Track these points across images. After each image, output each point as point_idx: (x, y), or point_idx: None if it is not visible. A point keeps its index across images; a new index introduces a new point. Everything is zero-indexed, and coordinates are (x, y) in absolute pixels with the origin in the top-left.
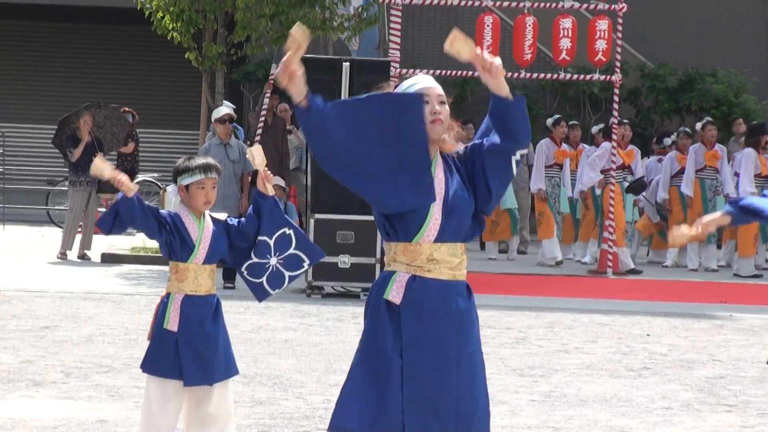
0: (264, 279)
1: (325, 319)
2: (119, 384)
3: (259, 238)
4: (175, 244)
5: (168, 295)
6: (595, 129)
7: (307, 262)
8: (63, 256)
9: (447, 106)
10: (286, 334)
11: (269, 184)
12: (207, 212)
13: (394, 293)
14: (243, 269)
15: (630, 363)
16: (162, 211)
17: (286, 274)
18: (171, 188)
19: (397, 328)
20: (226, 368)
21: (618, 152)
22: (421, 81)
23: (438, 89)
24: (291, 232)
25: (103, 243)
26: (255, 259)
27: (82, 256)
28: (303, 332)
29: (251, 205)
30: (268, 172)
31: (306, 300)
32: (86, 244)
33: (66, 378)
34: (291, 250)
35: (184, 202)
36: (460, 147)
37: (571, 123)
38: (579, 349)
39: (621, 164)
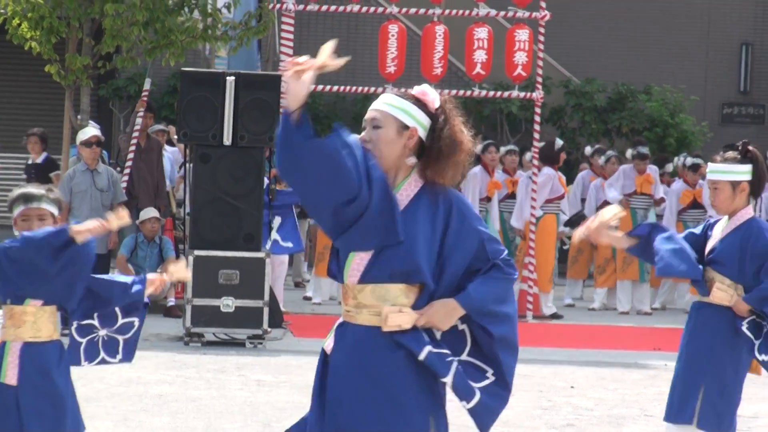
0: (83, 344)
1: (205, 370)
2: None
3: (114, 308)
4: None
5: (3, 343)
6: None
7: (119, 357)
8: None
9: (384, 129)
10: (160, 388)
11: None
12: None
13: (329, 341)
14: (74, 322)
15: (552, 419)
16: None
17: (101, 353)
18: None
19: (325, 381)
20: (75, 426)
21: (560, 180)
22: (375, 102)
23: (375, 112)
24: (137, 325)
25: None
26: (91, 321)
27: None
28: (180, 386)
29: (135, 281)
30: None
31: (183, 348)
32: None
33: None
34: (122, 335)
35: None
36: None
37: (509, 148)
38: None
39: (562, 194)
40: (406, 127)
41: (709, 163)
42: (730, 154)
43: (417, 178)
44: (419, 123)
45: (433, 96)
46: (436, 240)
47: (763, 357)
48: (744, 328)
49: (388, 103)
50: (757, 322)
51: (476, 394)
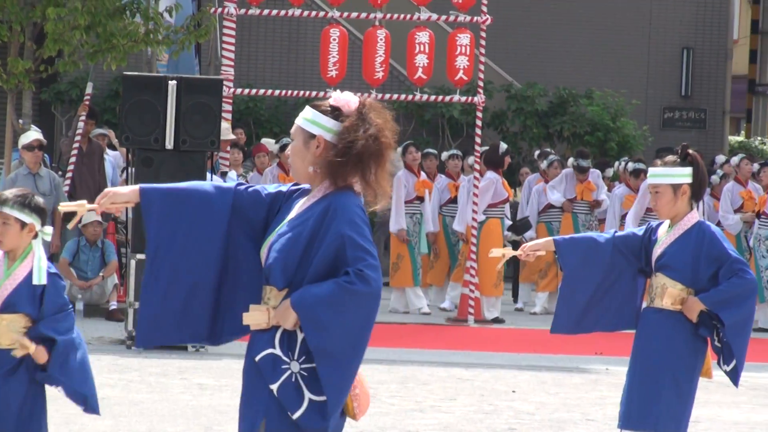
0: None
1: (147, 374)
2: None
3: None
4: None
5: None
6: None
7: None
8: None
9: (294, 141)
10: (102, 392)
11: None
12: (38, 255)
13: None
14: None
15: (493, 423)
16: None
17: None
18: None
19: None
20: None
21: (504, 184)
22: None
23: (300, 121)
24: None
25: None
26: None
27: None
28: (122, 389)
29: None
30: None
31: (126, 352)
32: None
33: None
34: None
35: None
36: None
37: (425, 151)
38: (435, 407)
39: (506, 198)
40: (312, 136)
41: (650, 168)
42: (670, 157)
43: (326, 185)
44: (325, 129)
45: (346, 100)
46: (302, 241)
47: (725, 368)
48: (699, 331)
49: (301, 116)
50: (712, 325)
51: (302, 406)
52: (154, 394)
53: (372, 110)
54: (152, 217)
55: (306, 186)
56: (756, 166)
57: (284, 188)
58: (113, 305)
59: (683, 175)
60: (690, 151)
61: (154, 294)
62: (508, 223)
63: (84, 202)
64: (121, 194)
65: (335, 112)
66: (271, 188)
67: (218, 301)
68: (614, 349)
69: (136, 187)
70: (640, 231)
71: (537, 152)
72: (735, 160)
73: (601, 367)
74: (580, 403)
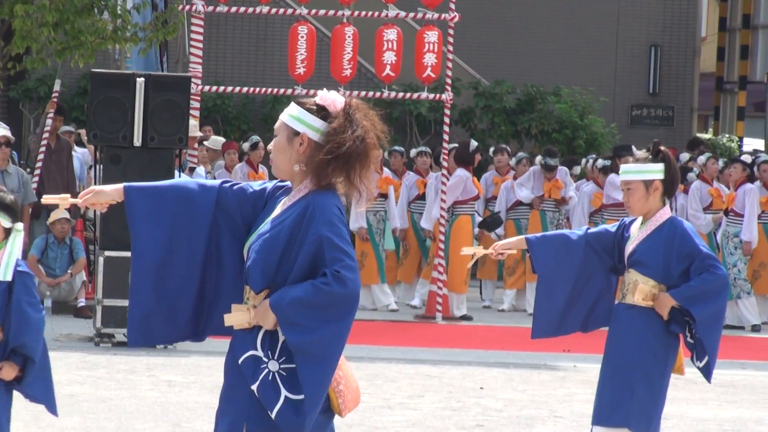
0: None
1: (115, 371)
2: None
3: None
4: None
5: None
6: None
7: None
8: None
9: (278, 137)
10: (71, 388)
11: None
12: (9, 251)
13: None
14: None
15: (461, 420)
16: None
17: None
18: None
19: None
20: None
21: (474, 182)
22: None
23: (284, 117)
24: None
25: None
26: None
27: None
28: (90, 386)
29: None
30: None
31: (94, 349)
32: None
33: None
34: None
35: None
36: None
37: (392, 149)
38: (404, 404)
39: (476, 195)
40: (296, 134)
41: (622, 165)
42: (642, 154)
43: (307, 183)
44: (310, 127)
45: (332, 99)
46: (280, 242)
47: (698, 364)
48: (671, 328)
49: (286, 113)
50: (684, 321)
51: (279, 403)
52: (123, 391)
53: (358, 111)
54: (136, 216)
55: (288, 184)
56: (721, 163)
57: (269, 186)
58: (81, 302)
59: (655, 171)
60: (662, 147)
61: (142, 293)
62: (479, 219)
63: (68, 195)
64: (105, 192)
65: (321, 112)
66: (256, 186)
67: (203, 299)
68: (582, 346)
69: (120, 185)
70: (612, 228)
71: (492, 149)
72: (702, 159)
73: (569, 364)
74: (548, 400)
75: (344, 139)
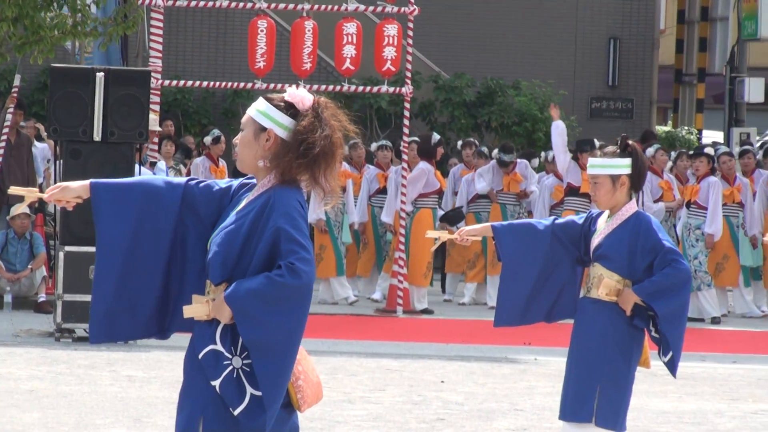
0: None
1: (76, 366)
2: None
3: None
4: None
5: None
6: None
7: None
8: None
9: (244, 132)
10: (31, 384)
11: None
12: None
13: None
14: None
15: (422, 414)
16: None
17: None
18: None
19: None
20: None
21: (437, 175)
22: None
23: (252, 112)
24: None
25: None
26: None
27: None
28: (51, 381)
29: None
30: None
31: (54, 345)
32: None
33: None
34: None
35: None
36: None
37: (352, 142)
38: (365, 398)
39: (438, 188)
40: (263, 129)
41: (589, 158)
42: (610, 148)
43: (271, 178)
44: (277, 124)
45: (301, 97)
46: (241, 235)
47: (663, 358)
48: (635, 322)
49: (253, 107)
50: (648, 316)
51: (244, 402)
52: (83, 386)
53: (327, 110)
54: (102, 212)
55: (253, 180)
56: (673, 154)
57: (235, 183)
58: (42, 297)
59: (622, 166)
60: (630, 142)
61: (105, 289)
62: (441, 213)
63: (35, 189)
64: (72, 189)
65: (290, 109)
66: (222, 183)
67: (167, 296)
68: (543, 340)
69: (87, 182)
70: (580, 219)
71: (460, 142)
72: (650, 151)
73: (529, 357)
74: (509, 393)
75: (315, 139)
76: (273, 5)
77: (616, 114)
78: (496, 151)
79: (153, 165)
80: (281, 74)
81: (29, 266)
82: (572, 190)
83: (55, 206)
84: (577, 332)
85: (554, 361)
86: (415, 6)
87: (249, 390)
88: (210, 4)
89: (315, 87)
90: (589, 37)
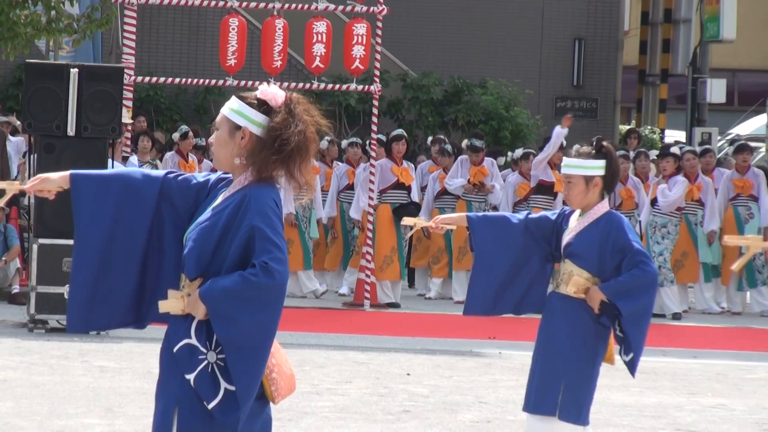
0: None
1: (48, 356)
2: None
3: None
4: None
5: None
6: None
7: None
8: None
9: (219, 131)
10: (4, 374)
11: None
12: None
13: None
14: None
15: (388, 405)
16: None
17: None
18: None
19: None
20: None
21: (393, 169)
22: None
23: (226, 111)
24: None
25: None
26: None
27: None
28: (24, 371)
29: None
30: None
31: (28, 335)
32: None
33: None
34: None
35: None
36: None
37: (329, 139)
38: (332, 390)
39: (396, 181)
40: (238, 128)
41: (564, 158)
42: (585, 149)
43: (247, 176)
44: (251, 122)
45: (273, 94)
46: (217, 231)
47: (624, 357)
48: (601, 320)
49: (227, 106)
50: (614, 314)
51: (218, 396)
52: (56, 376)
53: (299, 105)
54: (81, 203)
55: (230, 175)
56: (632, 154)
57: (212, 177)
58: (15, 289)
59: (596, 167)
60: (604, 143)
61: (82, 279)
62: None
63: (16, 182)
64: (53, 180)
65: (263, 106)
66: (200, 177)
67: (144, 287)
68: (507, 334)
69: (67, 173)
70: (552, 215)
71: (430, 138)
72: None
73: (494, 351)
74: (474, 386)
75: (289, 134)
76: (244, 4)
77: (580, 113)
78: (465, 141)
79: (125, 159)
80: (252, 72)
81: (3, 258)
82: (541, 188)
83: (29, 199)
84: (544, 326)
85: (518, 355)
86: (384, 6)
87: (223, 384)
88: (182, 2)
89: (285, 84)
90: (555, 37)
